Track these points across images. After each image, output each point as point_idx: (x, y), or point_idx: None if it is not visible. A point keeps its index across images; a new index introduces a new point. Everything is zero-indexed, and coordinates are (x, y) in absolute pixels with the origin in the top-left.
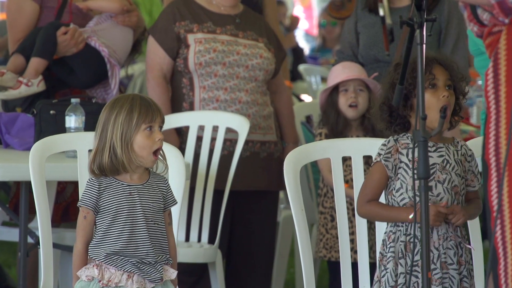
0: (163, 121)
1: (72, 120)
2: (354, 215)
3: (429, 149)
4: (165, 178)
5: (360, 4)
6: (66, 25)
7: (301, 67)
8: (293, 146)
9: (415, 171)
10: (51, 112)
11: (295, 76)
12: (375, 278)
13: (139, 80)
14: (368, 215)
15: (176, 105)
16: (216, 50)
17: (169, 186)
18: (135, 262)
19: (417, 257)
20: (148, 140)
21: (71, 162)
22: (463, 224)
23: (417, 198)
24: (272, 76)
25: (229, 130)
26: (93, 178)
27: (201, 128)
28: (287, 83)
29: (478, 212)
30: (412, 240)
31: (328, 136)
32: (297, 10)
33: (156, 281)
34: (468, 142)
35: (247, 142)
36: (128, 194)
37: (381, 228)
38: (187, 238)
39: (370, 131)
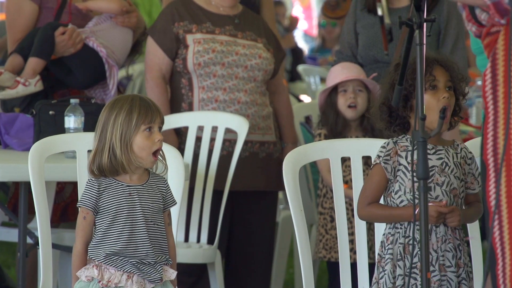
0: (162, 122)
1: (71, 121)
2: (353, 216)
3: (428, 151)
4: (164, 178)
5: (360, 4)
6: (65, 26)
7: (300, 68)
8: (292, 147)
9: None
10: (50, 112)
11: (294, 76)
12: (373, 280)
13: (139, 81)
14: (369, 217)
15: (175, 106)
16: (215, 51)
17: (169, 187)
18: (134, 262)
19: (415, 259)
20: (147, 141)
21: (70, 162)
22: (462, 226)
23: (416, 199)
24: (271, 77)
25: (228, 131)
26: (93, 179)
27: (200, 129)
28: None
29: (477, 216)
30: (410, 242)
31: (327, 137)
32: (296, 11)
33: (156, 281)
34: (467, 143)
35: (246, 143)
36: (127, 194)
37: (380, 228)
38: (186, 239)
39: (369, 132)
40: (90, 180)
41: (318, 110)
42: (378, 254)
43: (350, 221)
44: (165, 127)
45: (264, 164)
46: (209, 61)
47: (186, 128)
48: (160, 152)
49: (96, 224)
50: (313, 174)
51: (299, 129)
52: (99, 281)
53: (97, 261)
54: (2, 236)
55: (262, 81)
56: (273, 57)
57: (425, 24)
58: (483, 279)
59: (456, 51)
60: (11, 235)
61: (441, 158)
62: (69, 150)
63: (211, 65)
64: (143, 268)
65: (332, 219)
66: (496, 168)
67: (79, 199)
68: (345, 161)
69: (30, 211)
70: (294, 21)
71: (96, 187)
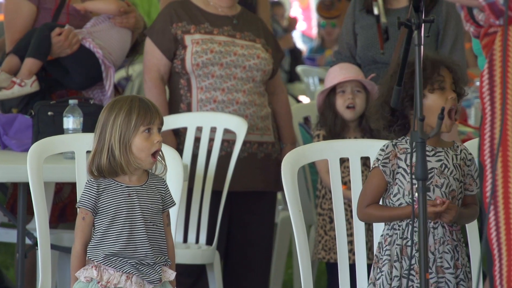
0: (162, 123)
1: (70, 121)
2: (352, 217)
3: (428, 153)
4: (163, 179)
5: (358, 5)
6: (61, 26)
7: (299, 68)
8: (291, 147)
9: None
10: (49, 113)
11: (293, 77)
12: (369, 280)
13: (138, 81)
14: (368, 219)
15: (174, 106)
16: (213, 51)
17: (168, 188)
18: (134, 263)
19: (412, 261)
20: (146, 142)
21: (69, 163)
22: (461, 227)
23: (415, 201)
24: (270, 77)
25: (226, 131)
26: (92, 179)
27: (199, 129)
28: None
29: (472, 218)
30: (408, 243)
31: (326, 138)
32: (295, 11)
33: (155, 282)
34: (465, 144)
35: (244, 143)
36: (127, 195)
37: (378, 229)
38: (185, 239)
39: (368, 132)
40: (90, 181)
41: (317, 111)
42: (376, 255)
43: (349, 222)
44: (164, 127)
45: (263, 165)
46: (208, 62)
47: (184, 129)
48: (160, 153)
49: (95, 224)
50: (312, 174)
51: (298, 130)
52: (98, 282)
53: (96, 261)
54: (0, 237)
55: (261, 81)
56: (272, 57)
57: (423, 24)
58: (476, 280)
59: (455, 52)
60: (9, 236)
61: (440, 160)
62: (67, 151)
63: (209, 66)
64: (142, 268)
65: (331, 220)
66: (493, 169)
67: (78, 199)
68: (343, 162)
69: (29, 212)
70: (292, 22)
71: (95, 187)
